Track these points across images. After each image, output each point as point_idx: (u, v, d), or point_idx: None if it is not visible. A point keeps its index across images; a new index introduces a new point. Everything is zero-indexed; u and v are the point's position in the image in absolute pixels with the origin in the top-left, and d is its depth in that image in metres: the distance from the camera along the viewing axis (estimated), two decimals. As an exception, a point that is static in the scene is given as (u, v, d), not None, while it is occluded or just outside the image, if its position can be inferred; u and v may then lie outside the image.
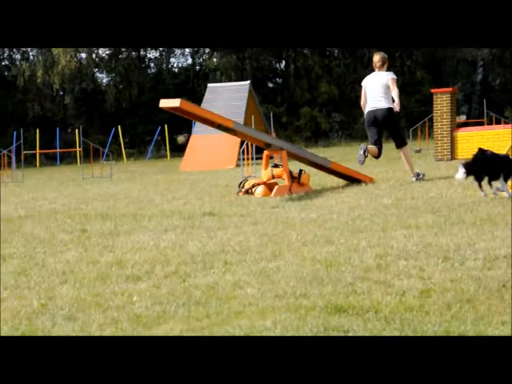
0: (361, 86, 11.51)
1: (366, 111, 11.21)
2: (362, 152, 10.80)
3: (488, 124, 23.31)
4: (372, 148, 11.06)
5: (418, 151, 19.68)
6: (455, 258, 5.19)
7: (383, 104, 11.01)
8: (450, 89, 17.60)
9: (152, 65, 40.03)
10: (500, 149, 11.30)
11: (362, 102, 11.41)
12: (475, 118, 30.19)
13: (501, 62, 35.64)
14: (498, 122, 23.18)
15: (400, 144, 11.35)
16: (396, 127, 11.40)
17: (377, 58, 11.31)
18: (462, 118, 32.99)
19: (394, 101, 11.03)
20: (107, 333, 3.97)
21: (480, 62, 36.53)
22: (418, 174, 11.13)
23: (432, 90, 17.31)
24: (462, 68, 38.59)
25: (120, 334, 3.94)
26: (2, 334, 4.00)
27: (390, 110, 10.98)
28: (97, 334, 3.96)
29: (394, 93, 11.01)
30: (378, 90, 11.08)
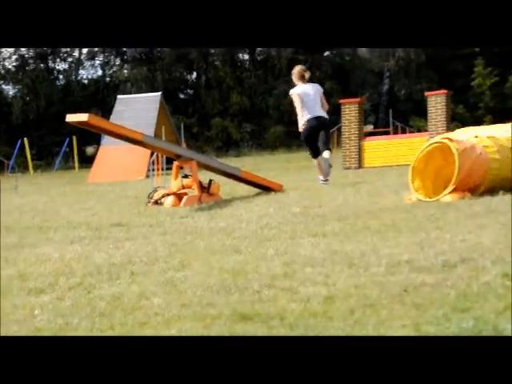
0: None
1: (306, 119, 11.66)
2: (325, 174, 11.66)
3: (394, 133, 23.87)
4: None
5: (327, 160, 19.96)
6: (359, 265, 5.26)
7: (322, 113, 11.75)
8: (358, 99, 17.99)
9: (61, 76, 39.39)
10: (406, 157, 11.59)
11: (300, 111, 11.73)
12: (382, 128, 30.88)
13: (406, 72, 36.59)
14: (404, 131, 23.77)
15: (329, 149, 11.94)
16: (328, 134, 12.12)
17: (301, 69, 12.02)
18: (369, 128, 33.71)
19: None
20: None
21: (386, 73, 37.43)
22: (326, 180, 11.79)
23: (340, 101, 17.64)
24: (370, 79, 39.44)
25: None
26: None
27: (326, 118, 11.81)
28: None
29: (326, 106, 11.93)
30: (316, 99, 11.74)
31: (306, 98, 11.71)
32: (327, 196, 9.88)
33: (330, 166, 11.78)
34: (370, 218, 7.50)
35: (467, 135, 9.54)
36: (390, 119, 25.96)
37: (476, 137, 9.27)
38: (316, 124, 11.67)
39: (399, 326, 3.73)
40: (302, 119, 11.72)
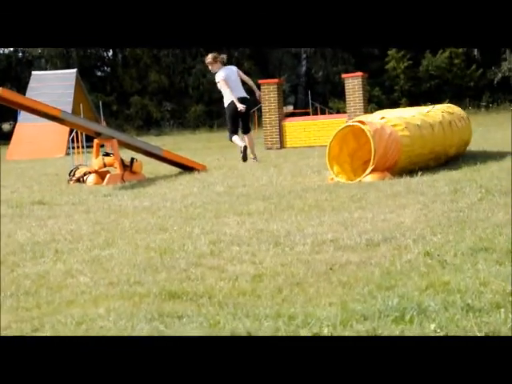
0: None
1: (231, 100, 12.34)
2: (242, 150, 12.24)
3: (313, 114, 24.09)
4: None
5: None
6: (285, 243, 5.32)
7: (245, 94, 12.51)
8: (276, 80, 18.07)
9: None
10: (326, 138, 11.74)
11: (228, 92, 12.40)
12: (301, 108, 31.11)
13: (322, 54, 36.89)
14: (323, 112, 24.03)
15: (249, 130, 12.81)
16: (249, 115, 13.12)
17: (214, 55, 12.54)
18: (290, 108, 33.93)
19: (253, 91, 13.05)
20: None
21: (303, 55, 37.65)
22: (255, 157, 12.54)
23: (259, 81, 17.67)
24: (287, 60, 39.62)
25: None
26: None
27: (248, 98, 12.56)
28: None
29: (252, 83, 12.90)
30: (238, 81, 12.50)
31: (229, 80, 12.38)
32: (251, 176, 9.93)
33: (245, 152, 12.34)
34: (293, 197, 7.57)
35: (374, 117, 9.81)
36: (310, 100, 26.17)
37: (382, 118, 9.53)
38: (242, 103, 12.35)
39: (326, 303, 3.78)
40: (229, 100, 12.44)
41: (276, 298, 3.98)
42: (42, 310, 3.98)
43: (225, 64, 12.65)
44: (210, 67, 12.75)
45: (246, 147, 12.31)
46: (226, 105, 12.57)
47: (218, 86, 12.66)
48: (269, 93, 16.94)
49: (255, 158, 12.50)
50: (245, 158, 12.19)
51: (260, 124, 20.59)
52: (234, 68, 12.80)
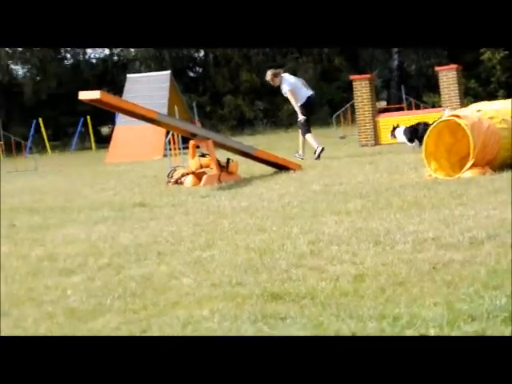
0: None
1: (305, 98, 13.39)
2: (319, 151, 13.04)
3: (408, 109, 23.73)
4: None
5: (343, 137, 19.89)
6: (386, 242, 5.26)
7: (311, 92, 13.64)
8: (368, 75, 17.87)
9: (68, 56, 39.25)
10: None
11: (294, 102, 13.48)
12: (395, 104, 30.68)
13: (414, 48, 36.26)
14: (418, 107, 23.62)
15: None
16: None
17: (274, 72, 13.69)
18: (383, 104, 33.52)
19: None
20: (43, 328, 3.87)
21: (395, 49, 37.12)
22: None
23: (351, 77, 17.52)
24: (379, 55, 39.16)
25: (56, 328, 3.86)
26: None
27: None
28: (32, 329, 3.87)
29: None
30: (301, 84, 13.70)
31: (295, 89, 13.50)
32: (347, 173, 9.87)
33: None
34: (391, 194, 7.48)
35: (470, 111, 9.55)
36: (403, 95, 25.78)
37: (479, 111, 9.28)
38: (313, 99, 13.83)
39: (431, 303, 3.73)
40: (299, 106, 13.44)
41: (379, 298, 3.94)
42: (149, 311, 4.07)
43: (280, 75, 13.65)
44: (271, 83, 13.78)
45: (323, 148, 13.09)
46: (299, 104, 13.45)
47: (285, 94, 13.70)
48: (361, 89, 16.76)
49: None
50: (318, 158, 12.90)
51: (353, 121, 20.43)
52: (290, 76, 13.92)
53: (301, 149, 13.52)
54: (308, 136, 13.37)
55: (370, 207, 6.87)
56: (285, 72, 14.03)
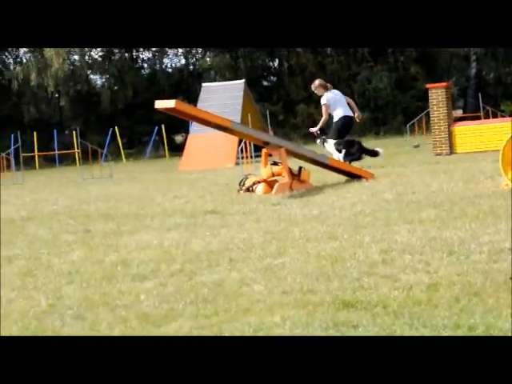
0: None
1: (340, 116, 13.98)
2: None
3: (485, 118, 23.30)
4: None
5: (417, 146, 19.65)
6: (460, 252, 5.18)
7: (348, 112, 14.10)
8: (445, 84, 17.62)
9: (145, 65, 39.97)
10: (498, 142, 11.34)
11: (324, 117, 14.12)
12: (471, 112, 30.19)
13: (493, 55, 35.64)
14: (495, 116, 23.17)
15: None
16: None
17: (320, 81, 14.45)
18: (459, 113, 33.03)
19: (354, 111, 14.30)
20: (116, 332, 3.95)
21: (473, 57, 36.54)
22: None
23: (427, 85, 17.32)
24: (456, 62, 38.59)
25: (129, 332, 3.93)
26: (13, 334, 3.99)
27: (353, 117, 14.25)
28: (106, 332, 3.95)
29: (354, 104, 14.52)
30: (342, 101, 14.17)
31: (330, 104, 14.02)
32: (420, 182, 9.75)
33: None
34: (466, 204, 7.36)
35: None
36: (480, 103, 25.34)
37: None
38: (348, 120, 14.07)
39: (508, 314, 3.65)
40: (335, 118, 14.07)
41: (453, 308, 3.88)
42: (220, 317, 4.10)
43: (327, 89, 14.23)
44: (315, 91, 14.41)
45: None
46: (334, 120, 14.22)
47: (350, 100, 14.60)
48: (437, 97, 16.54)
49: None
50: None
51: (428, 129, 20.16)
52: (338, 92, 14.42)
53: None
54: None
55: (443, 216, 6.77)
56: (334, 88, 14.56)
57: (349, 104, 14.31)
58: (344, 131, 14.19)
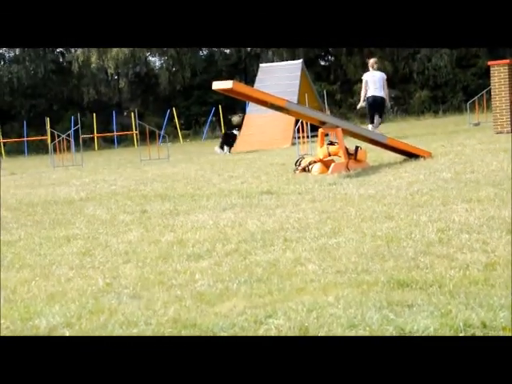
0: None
1: (367, 96, 17.51)
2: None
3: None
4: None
5: (477, 124, 19.31)
6: (519, 231, 5.09)
7: (381, 93, 17.49)
8: (508, 61, 17.22)
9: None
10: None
11: (362, 92, 17.75)
12: (534, 90, 29.47)
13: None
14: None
15: (381, 116, 18.12)
16: (383, 109, 18.52)
17: (373, 61, 17.93)
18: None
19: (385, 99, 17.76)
20: (171, 310, 3.98)
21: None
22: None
23: (489, 63, 16.97)
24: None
25: (184, 311, 3.97)
26: (71, 313, 4.07)
27: (383, 98, 17.62)
28: (161, 311, 3.99)
29: (387, 91, 17.85)
30: (377, 83, 17.45)
31: (371, 81, 17.45)
32: (479, 161, 9.59)
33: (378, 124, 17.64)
34: (526, 183, 7.22)
35: None
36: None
37: None
38: (377, 100, 17.42)
39: None
40: (364, 97, 17.61)
41: (510, 287, 3.82)
42: (274, 296, 4.11)
43: (377, 69, 17.82)
44: (371, 67, 17.64)
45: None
46: (378, 96, 17.46)
47: (381, 81, 17.53)
48: (499, 74, 16.19)
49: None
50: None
51: (489, 108, 19.78)
52: (379, 73, 17.73)
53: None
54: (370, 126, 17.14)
55: (503, 195, 6.66)
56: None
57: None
58: (371, 110, 17.71)
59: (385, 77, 17.79)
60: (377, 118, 17.70)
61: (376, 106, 17.55)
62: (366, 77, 17.63)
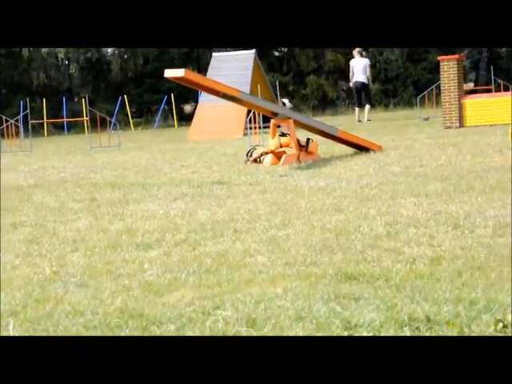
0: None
1: (353, 81, 20.46)
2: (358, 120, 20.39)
3: (496, 91, 23.12)
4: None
5: (426, 119, 19.54)
6: (465, 226, 5.18)
7: (363, 79, 20.24)
8: (457, 56, 17.46)
9: (157, 34, 39.80)
10: (508, 115, 11.28)
11: (350, 75, 20.60)
12: (483, 86, 29.97)
13: (508, 29, 35.24)
14: (507, 89, 22.99)
15: (370, 102, 21.34)
16: (369, 94, 21.09)
17: (357, 49, 20.24)
18: (470, 86, 32.79)
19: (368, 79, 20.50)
20: (119, 300, 3.96)
21: (487, 29, 36.17)
22: (369, 119, 20.27)
23: (439, 58, 17.18)
24: (470, 35, 38.21)
25: (132, 301, 3.94)
26: (16, 301, 4.01)
27: (366, 83, 20.40)
28: (109, 301, 3.96)
29: (369, 75, 20.42)
30: (361, 69, 20.16)
31: (355, 67, 20.17)
32: (428, 156, 9.73)
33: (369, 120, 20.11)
34: (473, 178, 7.35)
35: None
36: (492, 76, 25.14)
37: None
38: (359, 85, 20.24)
39: (510, 288, 3.65)
40: (351, 79, 20.51)
41: (455, 281, 3.88)
42: (223, 287, 4.11)
43: (362, 56, 20.44)
44: (354, 54, 20.41)
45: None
46: (358, 82, 20.28)
47: (361, 67, 20.23)
48: (448, 69, 16.41)
49: (370, 120, 20.17)
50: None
51: (438, 103, 20.05)
52: (364, 60, 20.42)
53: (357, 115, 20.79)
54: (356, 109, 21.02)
55: (450, 190, 6.77)
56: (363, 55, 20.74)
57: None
58: (356, 94, 20.73)
59: (367, 63, 20.47)
60: (367, 107, 20.54)
61: (360, 90, 20.41)
62: (352, 63, 20.54)
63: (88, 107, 21.48)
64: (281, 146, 10.85)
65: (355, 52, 20.47)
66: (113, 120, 24.84)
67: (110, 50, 39.37)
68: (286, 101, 23.44)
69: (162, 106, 31.23)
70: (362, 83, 20.36)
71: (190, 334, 3.39)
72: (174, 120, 30.73)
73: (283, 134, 11.04)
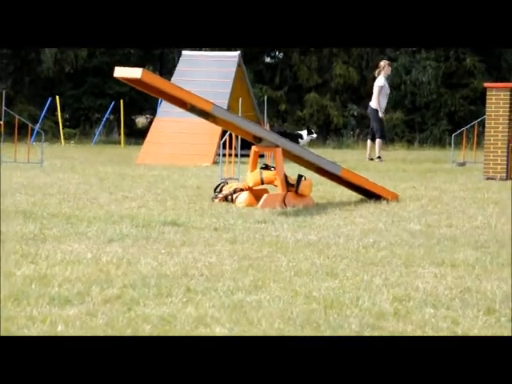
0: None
1: (376, 107, 20.97)
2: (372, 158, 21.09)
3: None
4: None
5: (462, 164, 19.71)
6: (502, 312, 5.20)
7: (375, 105, 21.03)
8: (510, 84, 17.65)
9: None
10: None
11: (376, 99, 20.99)
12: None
13: None
14: None
15: (384, 137, 21.96)
16: (380, 124, 21.31)
17: (383, 62, 21.36)
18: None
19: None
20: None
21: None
22: (379, 157, 20.81)
23: (485, 85, 17.38)
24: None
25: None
26: None
27: (375, 110, 20.99)
28: None
29: (377, 97, 21.15)
30: (375, 91, 21.14)
31: (383, 89, 21.12)
32: (460, 213, 9.81)
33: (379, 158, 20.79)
34: (518, 248, 7.40)
35: None
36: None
37: None
38: (370, 112, 21.61)
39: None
40: (374, 106, 21.36)
41: None
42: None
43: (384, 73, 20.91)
44: (380, 69, 20.91)
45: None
46: (371, 108, 21.13)
47: (374, 88, 20.94)
48: (497, 101, 16.49)
49: (380, 158, 20.67)
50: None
51: (480, 143, 20.21)
52: (380, 79, 20.82)
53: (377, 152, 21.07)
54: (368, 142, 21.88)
55: (486, 262, 6.83)
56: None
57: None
58: (372, 125, 21.52)
59: (378, 82, 21.09)
60: (377, 141, 21.03)
61: (372, 119, 21.41)
62: (381, 82, 21.06)
63: (4, 107, 21.46)
64: (262, 183, 10.88)
65: (383, 67, 21.15)
66: (36, 127, 24.84)
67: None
68: (304, 133, 23.26)
69: (107, 114, 31.29)
70: (373, 110, 21.15)
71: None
72: (120, 135, 30.78)
73: (267, 167, 11.08)
